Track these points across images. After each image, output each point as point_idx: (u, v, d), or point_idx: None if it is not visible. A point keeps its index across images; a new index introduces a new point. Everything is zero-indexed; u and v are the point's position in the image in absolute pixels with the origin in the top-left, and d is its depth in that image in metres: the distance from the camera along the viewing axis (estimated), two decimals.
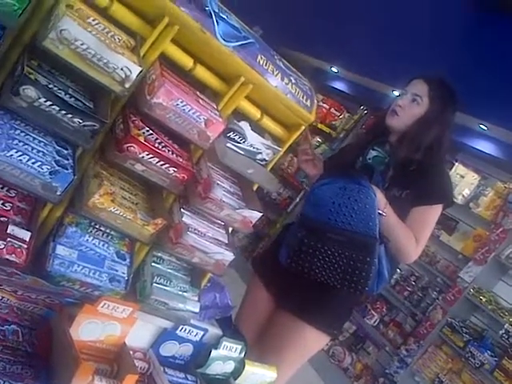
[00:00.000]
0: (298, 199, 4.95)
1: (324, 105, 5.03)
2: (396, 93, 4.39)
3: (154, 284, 1.19)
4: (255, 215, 1.22)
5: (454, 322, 3.58)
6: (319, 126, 5.02)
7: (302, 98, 1.37)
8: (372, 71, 4.45)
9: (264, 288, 1.82)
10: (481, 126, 3.81)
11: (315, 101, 1.40)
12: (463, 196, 3.97)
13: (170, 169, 1.14)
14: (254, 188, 1.35)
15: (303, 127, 1.38)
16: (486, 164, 4.00)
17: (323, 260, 1.49)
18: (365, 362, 4.05)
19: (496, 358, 3.32)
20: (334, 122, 4.94)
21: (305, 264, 1.51)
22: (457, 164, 4.08)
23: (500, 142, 3.82)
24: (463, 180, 4.02)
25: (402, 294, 3.99)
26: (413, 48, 3.84)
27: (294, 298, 1.73)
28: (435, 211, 1.77)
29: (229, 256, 1.22)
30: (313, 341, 1.76)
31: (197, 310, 1.21)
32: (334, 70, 4.90)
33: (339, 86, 5.09)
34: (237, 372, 1.29)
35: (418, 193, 1.68)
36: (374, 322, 4.07)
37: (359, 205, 1.48)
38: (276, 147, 1.32)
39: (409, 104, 1.74)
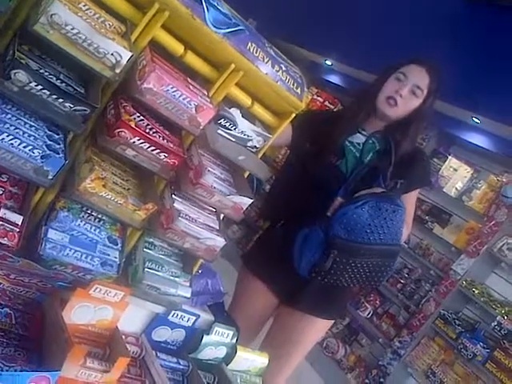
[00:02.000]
0: None
1: (318, 98, 5.03)
2: None
3: (146, 269, 1.19)
4: (246, 201, 1.23)
5: (446, 314, 3.61)
6: None
7: (293, 85, 1.37)
8: (366, 64, 4.46)
9: (264, 285, 1.83)
10: (474, 119, 3.82)
11: (305, 88, 1.41)
12: (456, 189, 4.00)
13: (161, 154, 1.15)
14: (245, 175, 1.36)
15: (293, 114, 1.39)
16: (479, 157, 4.02)
17: (352, 272, 1.55)
18: (358, 354, 4.08)
19: (488, 350, 3.36)
20: None
21: (333, 277, 1.56)
22: (450, 157, 4.11)
23: (493, 135, 3.84)
24: (456, 173, 4.05)
25: (395, 287, 4.02)
26: (406, 41, 3.85)
27: (303, 298, 1.78)
28: (417, 192, 1.83)
29: (220, 242, 1.23)
30: (324, 329, 1.89)
31: (188, 295, 1.22)
32: (328, 62, 4.91)
33: (333, 79, 5.09)
34: (228, 357, 1.31)
35: (410, 180, 1.70)
36: (368, 314, 4.10)
37: (393, 223, 1.53)
38: (267, 134, 1.33)
39: (409, 95, 1.69)
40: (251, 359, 1.33)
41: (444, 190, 4.05)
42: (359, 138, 1.77)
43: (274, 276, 1.81)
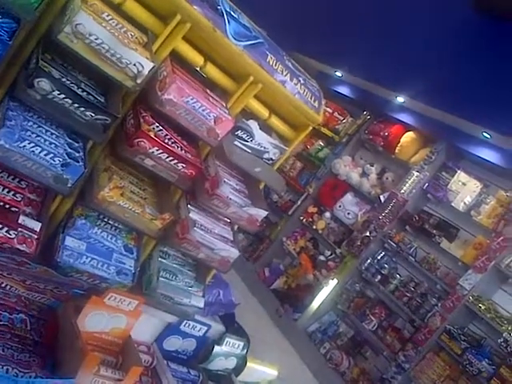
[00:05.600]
0: (299, 202, 4.96)
1: (327, 109, 5.04)
2: (400, 99, 4.42)
3: (160, 278, 1.20)
4: (261, 213, 1.24)
5: (452, 329, 3.58)
6: (322, 129, 5.04)
7: (310, 98, 1.38)
8: (376, 76, 4.47)
9: None
10: (484, 134, 3.82)
11: (323, 102, 1.41)
12: (465, 203, 3.98)
13: (179, 164, 1.15)
14: (261, 187, 1.37)
15: (310, 127, 1.39)
16: (489, 172, 4.00)
17: None
18: (362, 367, 4.04)
19: (494, 367, 3.32)
20: (337, 126, 4.96)
21: None
22: (459, 171, 4.09)
23: (503, 150, 3.83)
24: (465, 187, 4.03)
25: (401, 300, 3.99)
26: (416, 55, 3.86)
27: None
28: None
29: (234, 253, 1.23)
30: None
31: (201, 305, 1.22)
32: (338, 74, 4.92)
33: (343, 90, 5.10)
34: (239, 368, 1.30)
35: None
36: (373, 327, 4.07)
37: None
38: (283, 146, 1.34)
39: None
40: (261, 371, 1.32)
41: (452, 204, 4.03)
42: None
43: None
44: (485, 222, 3.82)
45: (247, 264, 4.99)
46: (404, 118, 4.53)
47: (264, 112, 1.34)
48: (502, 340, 3.33)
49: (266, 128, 1.34)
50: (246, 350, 1.31)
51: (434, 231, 4.07)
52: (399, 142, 4.45)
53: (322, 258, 4.63)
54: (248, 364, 1.30)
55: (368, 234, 4.31)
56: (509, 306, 3.53)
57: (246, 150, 1.29)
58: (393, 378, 3.70)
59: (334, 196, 4.76)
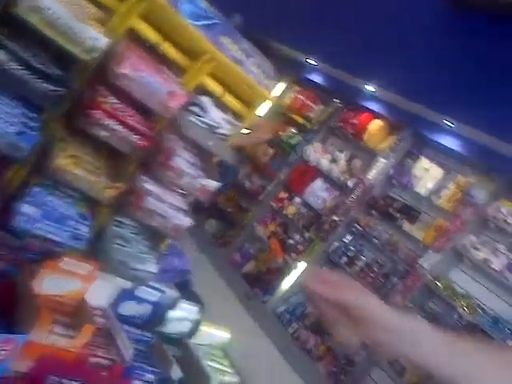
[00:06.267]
0: (270, 188, 5.04)
1: (300, 96, 5.12)
2: (369, 88, 4.52)
3: (114, 245, 1.26)
4: (213, 184, 1.30)
5: (412, 307, 3.75)
6: (294, 116, 5.12)
7: (264, 78, 1.45)
8: (346, 64, 4.56)
9: None
10: (446, 122, 3.96)
11: (276, 82, 1.48)
12: (427, 188, 4.14)
13: (133, 136, 1.21)
14: (214, 160, 1.44)
15: (263, 105, 1.47)
16: (450, 159, 4.17)
17: None
18: (328, 345, 4.19)
19: None
20: (309, 114, 5.04)
21: None
22: (422, 158, 4.24)
23: (464, 138, 3.99)
24: (428, 173, 4.19)
25: (365, 280, 4.14)
26: (385, 44, 3.95)
27: None
28: None
29: (186, 221, 1.30)
30: None
31: (155, 270, 1.28)
32: (310, 61, 4.99)
33: (316, 78, 5.18)
34: (192, 332, 1.38)
35: None
36: None
37: None
38: (236, 122, 1.40)
39: None
40: (214, 334, 1.40)
41: (416, 189, 4.19)
42: None
43: None
44: (445, 205, 3.99)
45: (218, 250, 5.07)
46: (373, 106, 4.65)
47: (218, 89, 1.40)
48: (456, 316, 3.52)
49: (220, 105, 1.41)
50: (199, 315, 1.38)
51: (398, 215, 4.23)
52: (367, 129, 4.57)
53: (291, 241, 4.74)
54: (202, 328, 1.38)
55: (336, 218, 4.44)
56: (464, 284, 3.72)
57: (199, 125, 1.35)
58: (356, 354, 3.86)
59: (304, 182, 4.86)
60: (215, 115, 1.35)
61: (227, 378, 1.32)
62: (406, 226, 4.14)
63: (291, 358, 4.05)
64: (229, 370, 1.35)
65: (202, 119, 1.34)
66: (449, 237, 3.75)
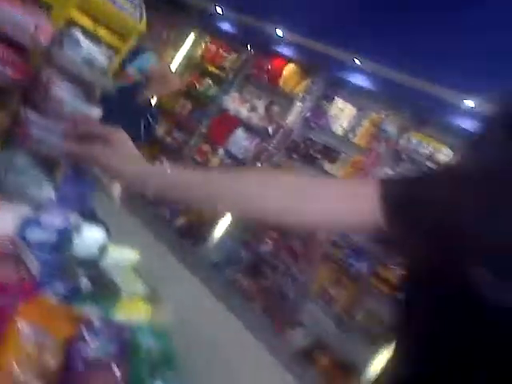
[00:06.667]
0: (192, 142, 5.01)
1: (212, 46, 5.05)
2: (279, 32, 4.55)
3: (8, 174, 1.21)
4: (95, 112, 1.30)
5: (336, 240, 3.98)
6: (208, 67, 5.05)
7: (133, 10, 1.46)
8: (254, 10, 4.54)
9: None
10: (355, 60, 4.11)
11: (144, 13, 1.50)
12: (342, 128, 4.31)
13: (6, 69, 1.17)
14: (95, 91, 1.43)
15: (135, 36, 1.48)
16: (362, 97, 4.35)
17: None
18: (263, 285, 4.36)
19: (371, 267, 3.79)
20: (223, 64, 5.00)
21: None
22: (337, 98, 4.40)
23: (373, 75, 4.17)
24: (342, 113, 4.36)
25: None
26: None
27: None
28: None
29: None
30: None
31: (53, 196, 1.25)
32: (219, 10, 4.92)
33: (225, 26, 5.12)
34: (100, 254, 1.38)
35: None
36: (270, 249, 4.38)
37: None
38: (111, 53, 1.41)
39: None
40: (123, 253, 1.42)
41: (332, 129, 4.36)
42: None
43: None
44: (361, 142, 4.19)
45: (147, 207, 5.00)
46: (284, 50, 4.69)
47: (89, 23, 1.40)
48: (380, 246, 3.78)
49: (94, 37, 1.40)
50: (106, 237, 1.38)
51: (319, 156, 4.39)
52: (282, 74, 4.63)
53: None
54: (109, 249, 1.38)
55: (259, 164, 4.52)
56: None
57: (74, 58, 1.33)
58: (289, 289, 4.06)
59: (225, 133, 4.88)
60: (89, 48, 1.34)
61: (139, 288, 1.34)
62: (327, 166, 4.31)
63: (228, 302, 4.17)
64: (141, 284, 1.37)
65: (75, 52, 1.32)
66: (365, 171, 3.97)
